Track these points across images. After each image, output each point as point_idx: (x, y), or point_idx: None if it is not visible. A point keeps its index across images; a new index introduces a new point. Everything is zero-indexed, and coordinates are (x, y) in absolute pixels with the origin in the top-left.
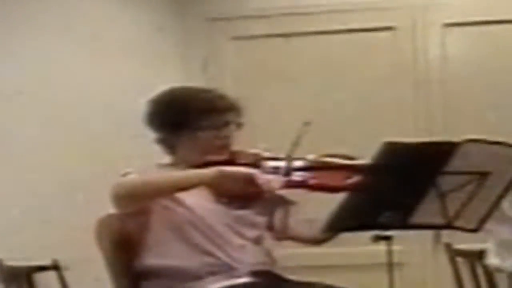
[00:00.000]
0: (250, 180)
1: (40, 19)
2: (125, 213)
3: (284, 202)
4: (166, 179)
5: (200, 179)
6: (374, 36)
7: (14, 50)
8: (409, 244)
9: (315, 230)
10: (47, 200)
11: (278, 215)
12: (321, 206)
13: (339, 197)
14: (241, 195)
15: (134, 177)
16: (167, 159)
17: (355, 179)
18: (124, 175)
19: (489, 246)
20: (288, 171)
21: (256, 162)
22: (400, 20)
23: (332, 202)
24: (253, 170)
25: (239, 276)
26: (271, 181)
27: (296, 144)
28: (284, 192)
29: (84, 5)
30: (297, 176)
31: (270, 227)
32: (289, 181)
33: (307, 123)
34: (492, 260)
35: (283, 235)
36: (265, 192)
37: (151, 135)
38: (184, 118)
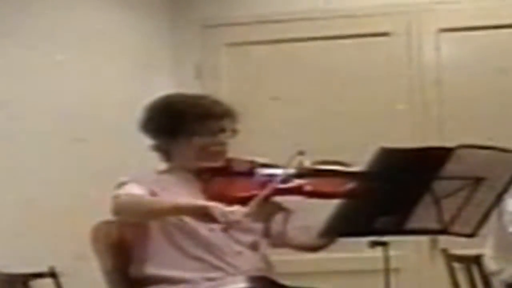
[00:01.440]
0: (205, 214)
1: (32, 22)
2: (122, 220)
3: (281, 209)
4: (158, 207)
5: (188, 211)
6: (369, 41)
7: (2, 55)
8: (406, 250)
9: (311, 237)
10: (43, 207)
11: (275, 222)
12: (317, 213)
13: (335, 204)
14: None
15: (128, 197)
16: (162, 165)
17: (350, 185)
18: (120, 184)
19: (486, 251)
20: (284, 178)
21: (251, 169)
22: (395, 26)
23: (327, 208)
24: (210, 203)
25: (235, 282)
26: (227, 213)
27: (286, 171)
28: (280, 199)
29: (78, 12)
30: (292, 183)
31: (266, 234)
32: (286, 188)
33: (300, 153)
34: (491, 266)
35: (280, 242)
36: (222, 223)
37: (146, 141)
38: (180, 124)
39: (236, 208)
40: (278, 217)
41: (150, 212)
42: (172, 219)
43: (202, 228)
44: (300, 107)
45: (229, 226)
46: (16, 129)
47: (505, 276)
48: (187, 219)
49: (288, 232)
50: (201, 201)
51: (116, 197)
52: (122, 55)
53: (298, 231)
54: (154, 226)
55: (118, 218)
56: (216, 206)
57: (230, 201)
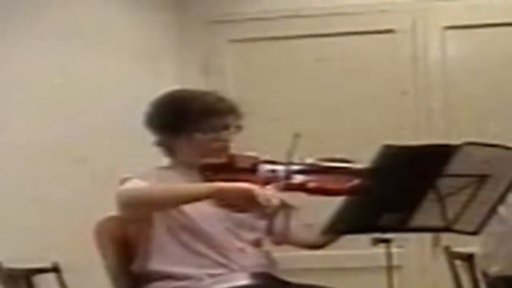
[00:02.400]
0: (249, 196)
1: (37, 20)
2: (126, 216)
3: (284, 206)
4: (169, 193)
5: (199, 195)
6: (374, 38)
7: (11, 51)
8: (409, 247)
9: (314, 234)
10: (46, 203)
11: (278, 219)
12: (320, 210)
13: (338, 201)
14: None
15: (137, 188)
16: (166, 161)
17: (354, 182)
18: (124, 180)
19: (478, 250)
20: (288, 175)
21: (254, 165)
22: (400, 23)
23: (331, 206)
24: (252, 185)
25: (238, 279)
26: (270, 197)
27: (289, 156)
28: (284, 196)
29: (82, 7)
30: (296, 179)
31: (269, 231)
32: (289, 184)
33: (297, 135)
34: (481, 263)
35: (283, 239)
36: (264, 208)
37: (150, 137)
38: (183, 120)
39: (271, 192)
40: (281, 214)
41: (172, 199)
42: (176, 215)
43: (206, 225)
44: (305, 104)
45: (269, 211)
46: (26, 124)
47: (492, 271)
48: (192, 215)
49: (291, 229)
50: (239, 184)
51: (124, 191)
52: (127, 51)
53: (301, 228)
54: (158, 222)
55: (128, 212)
56: (259, 189)
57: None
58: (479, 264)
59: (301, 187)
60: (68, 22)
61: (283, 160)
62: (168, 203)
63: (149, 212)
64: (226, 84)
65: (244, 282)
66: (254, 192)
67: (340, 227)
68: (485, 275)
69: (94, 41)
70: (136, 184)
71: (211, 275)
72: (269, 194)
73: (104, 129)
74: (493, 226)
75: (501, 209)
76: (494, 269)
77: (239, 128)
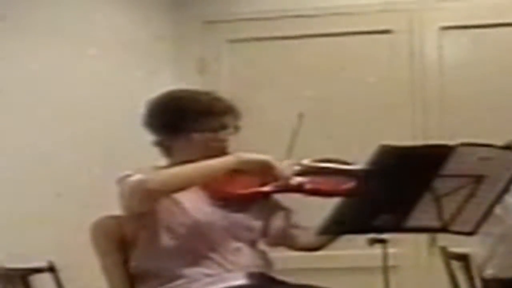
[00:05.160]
0: (268, 167)
1: (35, 22)
2: (123, 215)
3: (280, 208)
4: (193, 170)
5: (222, 166)
6: (371, 39)
7: (8, 53)
8: (405, 247)
9: (310, 236)
10: (42, 202)
11: (275, 221)
12: (316, 212)
13: (335, 202)
14: (240, 195)
15: (157, 174)
16: (163, 161)
17: (350, 183)
18: (124, 177)
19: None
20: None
21: None
22: (397, 23)
23: (327, 207)
24: (269, 157)
25: (234, 278)
26: (284, 169)
27: (294, 137)
28: (279, 197)
29: (79, 7)
30: (293, 180)
31: (265, 233)
32: (286, 184)
33: (301, 115)
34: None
35: (278, 241)
36: (279, 178)
37: (148, 137)
38: (181, 120)
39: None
40: (277, 216)
41: (195, 177)
42: (176, 210)
43: (204, 224)
44: (301, 103)
45: (285, 185)
46: (20, 124)
47: (487, 273)
48: (193, 213)
49: (287, 231)
50: (257, 154)
51: (141, 180)
52: (124, 51)
53: (297, 230)
54: (154, 222)
55: (148, 200)
56: (275, 161)
57: (231, 198)
58: (475, 265)
59: (298, 189)
60: (62, 22)
61: (283, 151)
62: (194, 179)
63: (176, 192)
64: (223, 84)
65: (240, 282)
66: (271, 163)
67: (336, 228)
68: (481, 276)
69: (89, 41)
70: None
71: (207, 275)
72: (284, 165)
73: (100, 129)
74: (490, 226)
75: (498, 210)
76: (489, 272)
77: (237, 128)
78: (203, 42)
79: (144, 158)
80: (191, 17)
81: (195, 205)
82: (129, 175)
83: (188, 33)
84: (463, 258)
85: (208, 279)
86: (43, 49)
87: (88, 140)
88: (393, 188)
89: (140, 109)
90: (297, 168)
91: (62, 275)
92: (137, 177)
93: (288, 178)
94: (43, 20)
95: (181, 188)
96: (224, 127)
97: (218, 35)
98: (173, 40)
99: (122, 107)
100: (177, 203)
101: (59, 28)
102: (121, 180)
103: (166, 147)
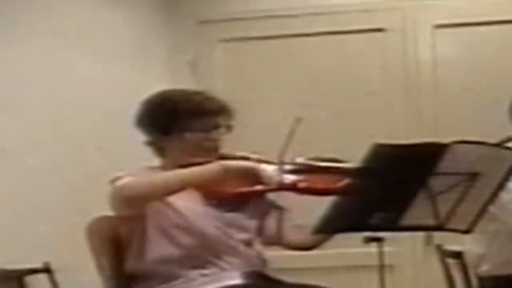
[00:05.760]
0: (253, 174)
1: (27, 20)
2: (117, 216)
3: (274, 208)
4: (172, 178)
5: (204, 175)
6: (364, 37)
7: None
8: (400, 246)
9: (305, 236)
10: (37, 202)
11: (270, 221)
12: (311, 211)
13: (329, 201)
14: (234, 195)
15: (139, 179)
16: (156, 161)
17: (345, 181)
18: (115, 179)
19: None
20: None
21: None
22: (390, 22)
23: (321, 207)
24: (255, 164)
25: (230, 278)
26: (271, 175)
27: (288, 141)
28: (274, 196)
29: (73, 6)
30: (287, 179)
31: (260, 232)
32: (280, 183)
33: (298, 120)
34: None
35: (273, 240)
36: (266, 185)
37: (140, 137)
38: (174, 120)
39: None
40: (272, 216)
41: (176, 183)
42: (169, 213)
43: (198, 223)
44: (294, 103)
45: (278, 184)
46: (13, 125)
47: (482, 270)
48: (185, 213)
49: (282, 231)
50: (242, 161)
51: (122, 185)
52: (116, 51)
53: (292, 229)
54: (149, 222)
55: (130, 206)
56: (261, 166)
57: (224, 197)
58: (470, 263)
59: (292, 187)
60: (55, 24)
61: (277, 152)
62: (173, 187)
63: (153, 199)
64: (216, 84)
65: (236, 281)
66: (256, 170)
67: (331, 226)
68: (476, 274)
69: (81, 40)
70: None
71: (203, 275)
72: (270, 171)
73: (94, 129)
74: (483, 224)
75: (493, 207)
76: (484, 269)
77: (229, 127)
78: (196, 42)
79: (138, 158)
80: (184, 16)
81: (187, 205)
82: (119, 177)
83: (181, 33)
84: (459, 256)
85: (204, 279)
86: (33, 48)
87: (82, 141)
88: (388, 187)
89: (133, 109)
90: (289, 168)
91: (58, 276)
92: (121, 181)
93: (275, 184)
94: (35, 20)
95: (159, 196)
96: (216, 126)
97: (211, 34)
98: (166, 40)
99: (115, 107)
100: (168, 203)
101: (50, 32)
102: (112, 182)
103: (159, 147)
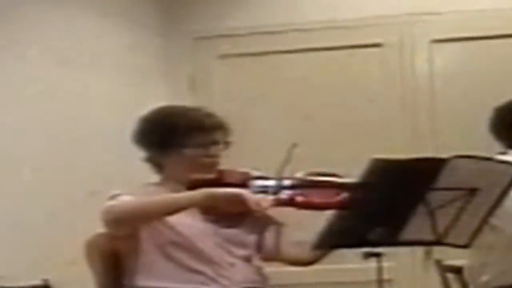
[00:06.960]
0: (239, 201)
1: (22, 38)
2: (113, 233)
3: (273, 223)
4: (156, 204)
5: (189, 202)
6: (362, 52)
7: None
8: (400, 261)
9: (304, 251)
10: (35, 220)
11: (269, 236)
12: (310, 227)
13: (328, 216)
14: (231, 213)
15: (124, 202)
16: (155, 178)
17: (344, 196)
18: (113, 197)
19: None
20: (277, 190)
21: (244, 181)
22: (387, 37)
23: (320, 222)
24: (242, 190)
25: None
26: (260, 201)
27: (284, 166)
28: (273, 212)
29: (69, 23)
30: (285, 194)
31: (259, 248)
32: (278, 199)
33: (294, 145)
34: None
35: (272, 256)
36: (255, 212)
37: (138, 153)
38: (172, 136)
39: (261, 196)
40: (271, 231)
41: (160, 209)
42: (166, 231)
43: (197, 240)
44: (292, 119)
45: (259, 215)
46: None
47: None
48: (183, 230)
49: (281, 246)
50: (229, 189)
51: (108, 207)
52: (114, 68)
53: (291, 245)
54: (145, 238)
55: (114, 228)
56: (248, 193)
57: (223, 213)
58: (470, 276)
59: (290, 202)
60: (51, 42)
61: (274, 173)
62: (156, 214)
63: (136, 225)
64: (214, 100)
65: None
66: (244, 196)
67: (330, 242)
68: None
69: (78, 57)
70: (125, 199)
71: None
72: (259, 197)
73: (92, 146)
74: (483, 235)
75: (493, 219)
76: (483, 279)
77: (228, 144)
78: (194, 58)
79: (136, 175)
80: (181, 33)
81: (186, 222)
82: (116, 195)
83: (179, 49)
84: (459, 271)
85: None
86: (29, 64)
87: (79, 158)
88: (386, 202)
89: (131, 126)
90: (287, 183)
91: None
92: (112, 202)
93: (263, 210)
94: (29, 38)
95: (142, 221)
96: (215, 143)
97: (208, 51)
98: (164, 57)
99: (113, 124)
100: (165, 221)
101: (49, 50)
102: (108, 199)
103: (157, 164)
